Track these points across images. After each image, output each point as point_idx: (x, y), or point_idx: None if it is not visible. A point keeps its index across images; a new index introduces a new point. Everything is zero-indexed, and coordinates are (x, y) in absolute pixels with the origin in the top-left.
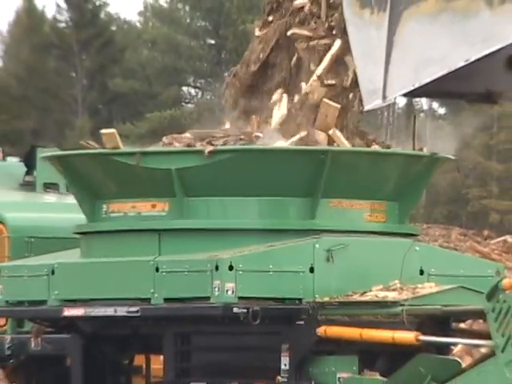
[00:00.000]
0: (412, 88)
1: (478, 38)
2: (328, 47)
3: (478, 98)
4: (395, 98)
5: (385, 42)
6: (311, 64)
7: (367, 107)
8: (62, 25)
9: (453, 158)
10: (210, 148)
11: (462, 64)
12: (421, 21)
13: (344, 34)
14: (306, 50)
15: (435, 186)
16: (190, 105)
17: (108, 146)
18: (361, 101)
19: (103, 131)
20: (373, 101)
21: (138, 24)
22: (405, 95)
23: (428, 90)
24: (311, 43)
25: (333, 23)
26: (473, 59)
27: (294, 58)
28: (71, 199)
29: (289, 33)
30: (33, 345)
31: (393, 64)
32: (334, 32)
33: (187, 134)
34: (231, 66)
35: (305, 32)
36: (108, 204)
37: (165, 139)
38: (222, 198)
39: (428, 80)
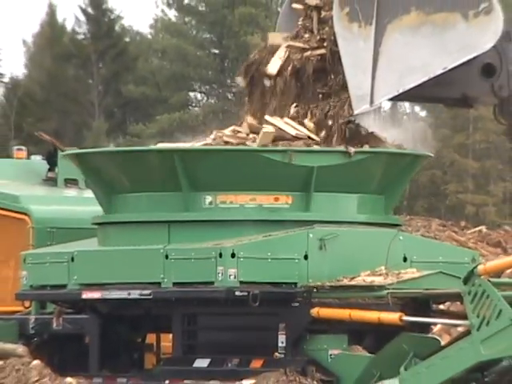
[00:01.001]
0: (396, 93)
1: (455, 47)
2: (320, 56)
3: (456, 102)
4: (381, 103)
5: (372, 53)
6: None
7: (356, 111)
8: (81, 36)
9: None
10: (354, 150)
11: (441, 71)
12: (404, 33)
13: (334, 45)
14: (300, 60)
15: (416, 181)
16: (196, 108)
17: (260, 144)
18: (351, 106)
19: (265, 129)
20: (361, 105)
21: (149, 36)
22: (390, 99)
23: (411, 95)
24: (305, 54)
25: (324, 36)
26: (451, 67)
27: (289, 68)
28: (89, 193)
29: (285, 45)
30: (55, 324)
31: (379, 72)
32: (325, 44)
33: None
34: (233, 73)
35: (299, 44)
36: (215, 195)
37: (217, 132)
38: (346, 194)
39: (411, 86)
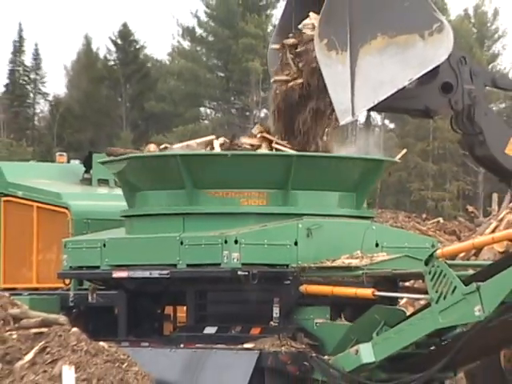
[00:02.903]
0: (373, 104)
1: (417, 62)
2: (302, 84)
3: (420, 113)
4: (360, 114)
5: (349, 73)
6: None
7: (342, 123)
8: (111, 63)
9: (399, 161)
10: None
11: (407, 83)
12: (373, 54)
13: (309, 75)
14: (286, 91)
15: (386, 181)
16: (206, 121)
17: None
18: (336, 119)
19: (399, 155)
20: (345, 118)
21: (167, 61)
22: (368, 110)
23: (384, 106)
24: (289, 84)
25: (302, 67)
26: (414, 78)
27: (279, 98)
28: (118, 191)
29: (271, 80)
30: (90, 299)
31: (357, 88)
32: (303, 73)
33: None
34: (237, 92)
35: (283, 77)
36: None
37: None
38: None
39: (383, 98)
